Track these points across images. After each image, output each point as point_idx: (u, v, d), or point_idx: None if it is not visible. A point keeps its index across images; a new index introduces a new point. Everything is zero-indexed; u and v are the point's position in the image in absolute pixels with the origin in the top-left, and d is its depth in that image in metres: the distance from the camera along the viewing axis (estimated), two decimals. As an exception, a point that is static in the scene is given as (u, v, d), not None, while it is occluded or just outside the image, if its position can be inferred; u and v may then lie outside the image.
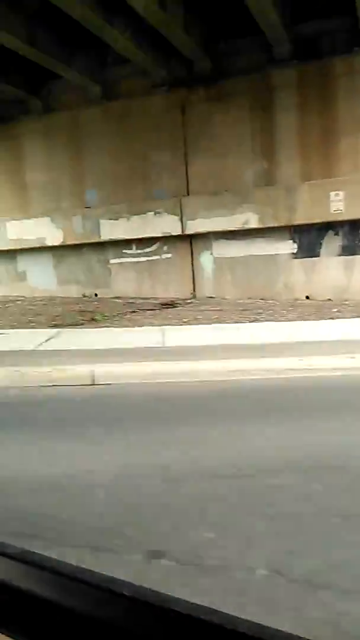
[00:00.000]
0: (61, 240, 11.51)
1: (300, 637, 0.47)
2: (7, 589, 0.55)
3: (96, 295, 11.76)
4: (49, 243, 11.62)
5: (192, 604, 0.49)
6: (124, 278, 11.46)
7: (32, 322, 7.96)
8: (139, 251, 11.19)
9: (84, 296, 11.82)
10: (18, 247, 11.97)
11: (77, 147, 11.45)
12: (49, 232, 11.58)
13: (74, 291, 11.89)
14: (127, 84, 10.82)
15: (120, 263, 11.44)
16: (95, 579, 0.54)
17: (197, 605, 0.49)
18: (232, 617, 0.48)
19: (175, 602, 0.50)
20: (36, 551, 0.60)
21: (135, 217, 10.76)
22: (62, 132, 11.52)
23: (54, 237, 11.56)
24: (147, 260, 11.15)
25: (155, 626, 0.50)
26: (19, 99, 11.50)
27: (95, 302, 10.67)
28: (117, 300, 10.96)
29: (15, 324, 7.87)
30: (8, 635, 0.52)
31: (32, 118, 11.65)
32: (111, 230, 11.01)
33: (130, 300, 10.70)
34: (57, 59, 9.74)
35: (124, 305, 10.16)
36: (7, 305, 11.18)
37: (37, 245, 11.74)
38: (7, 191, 12.09)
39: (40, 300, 11.48)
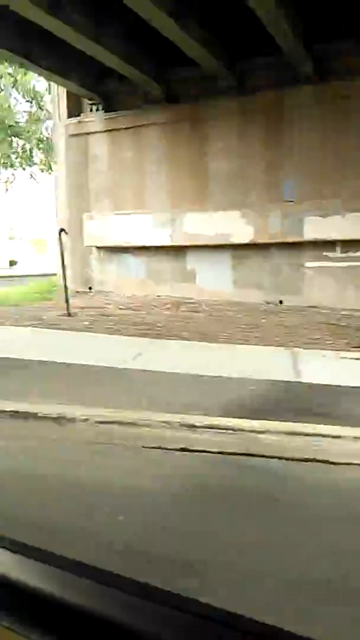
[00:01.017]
0: (251, 237, 10.08)
1: (303, 637, 0.44)
2: (2, 581, 0.55)
3: (281, 302, 10.29)
4: (236, 240, 10.19)
5: (192, 600, 0.49)
6: (321, 285, 9.94)
7: (323, 340, 6.43)
8: (345, 255, 9.65)
9: (267, 303, 10.36)
10: (194, 242, 10.61)
11: (276, 133, 9.99)
12: (235, 228, 10.16)
13: (252, 296, 10.43)
14: (348, 60, 9.30)
15: (318, 267, 9.93)
16: (92, 573, 0.54)
17: (198, 601, 0.48)
18: (231, 613, 0.47)
19: (174, 598, 0.50)
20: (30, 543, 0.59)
21: (352, 215, 9.22)
22: (259, 115, 10.10)
23: (241, 233, 10.13)
24: (356, 266, 9.60)
25: (153, 621, 0.49)
26: (210, 75, 10.14)
27: (302, 312, 9.17)
28: (320, 310, 9.43)
29: (286, 342, 6.34)
30: (4, 627, 0.52)
31: (222, 98, 10.25)
32: (318, 228, 9.50)
33: (342, 313, 9.15)
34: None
35: (347, 318, 8.62)
36: (181, 310, 9.83)
37: (220, 243, 10.34)
38: (187, 180, 10.74)
39: (220, 304, 10.08)
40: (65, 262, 12.68)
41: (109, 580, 0.53)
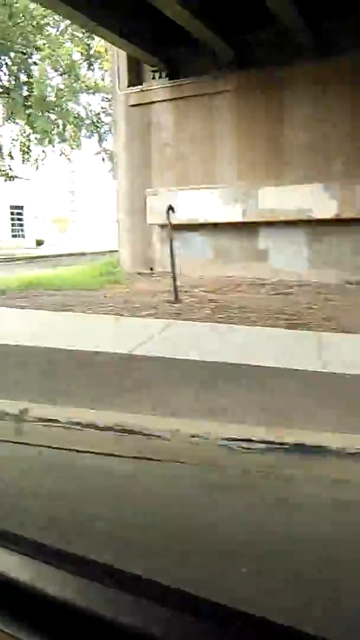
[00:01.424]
0: (335, 212, 9.39)
1: (303, 632, 0.43)
2: None
3: (364, 283, 9.64)
4: (317, 216, 9.51)
5: (193, 595, 0.47)
6: None
7: None
8: None
9: (349, 283, 9.71)
10: (269, 219, 9.94)
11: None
12: (316, 203, 9.47)
13: (330, 276, 9.77)
14: None
15: None
16: (87, 569, 0.51)
17: (198, 597, 0.46)
18: (228, 607, 0.45)
19: (173, 593, 0.48)
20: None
21: None
22: (341, 80, 9.33)
23: (324, 208, 9.44)
24: None
25: (154, 620, 0.46)
26: (287, 37, 9.36)
27: None
28: None
29: None
30: None
31: (300, 63, 9.48)
32: None
33: None
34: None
35: None
36: (269, 293, 9.11)
37: (299, 218, 9.67)
38: (261, 151, 10.04)
39: (305, 285, 9.42)
40: (124, 241, 12.10)
41: (107, 578, 0.49)
